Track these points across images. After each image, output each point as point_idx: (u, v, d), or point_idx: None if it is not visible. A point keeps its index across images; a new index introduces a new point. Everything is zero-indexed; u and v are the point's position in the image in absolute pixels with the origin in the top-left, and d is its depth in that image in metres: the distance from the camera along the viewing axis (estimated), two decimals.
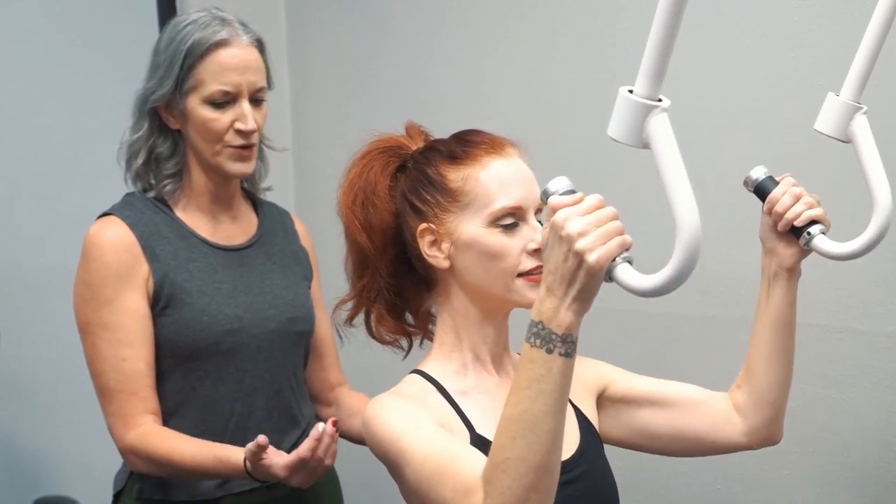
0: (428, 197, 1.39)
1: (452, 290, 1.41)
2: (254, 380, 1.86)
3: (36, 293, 3.00)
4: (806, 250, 1.42)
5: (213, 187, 1.87)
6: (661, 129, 1.03)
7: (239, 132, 1.79)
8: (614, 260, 1.08)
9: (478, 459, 1.21)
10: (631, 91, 1.04)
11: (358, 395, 2.02)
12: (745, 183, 1.46)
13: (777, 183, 1.43)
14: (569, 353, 1.10)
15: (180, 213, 1.86)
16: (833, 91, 1.45)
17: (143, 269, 1.78)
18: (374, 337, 1.49)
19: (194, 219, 1.87)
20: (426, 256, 1.39)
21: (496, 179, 1.36)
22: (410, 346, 1.51)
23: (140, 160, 1.85)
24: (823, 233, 1.40)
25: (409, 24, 2.58)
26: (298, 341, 1.94)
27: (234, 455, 1.68)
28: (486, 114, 2.41)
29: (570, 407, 1.46)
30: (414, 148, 1.46)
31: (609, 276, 1.09)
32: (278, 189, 2.15)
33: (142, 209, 1.84)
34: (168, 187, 1.85)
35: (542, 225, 1.37)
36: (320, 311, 2.02)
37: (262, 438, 1.60)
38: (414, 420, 1.30)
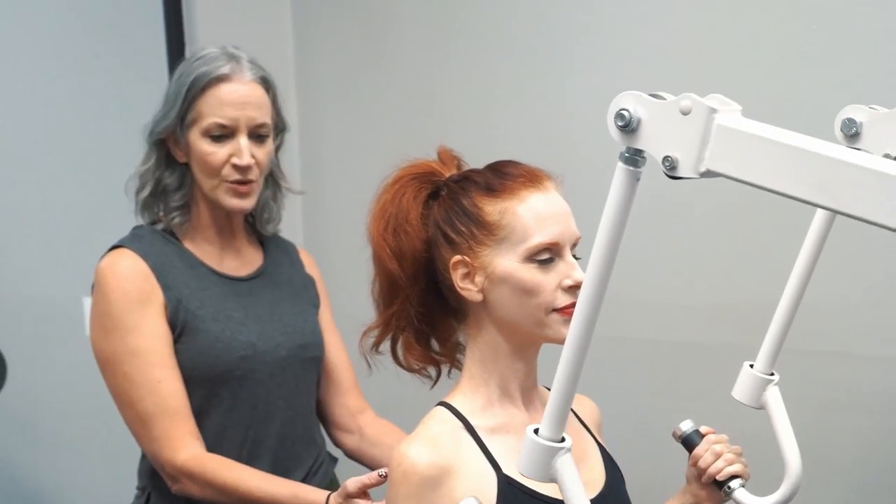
0: (463, 228, 1.36)
1: (484, 323, 1.39)
2: (267, 406, 1.87)
3: (42, 327, 2.99)
4: (725, 499, 1.54)
5: (219, 221, 1.89)
6: (565, 466, 1.10)
7: (235, 167, 1.81)
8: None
9: None
10: (536, 431, 1.11)
11: (382, 423, 2.01)
12: (673, 434, 1.57)
13: (702, 436, 1.54)
14: None
15: (188, 245, 1.88)
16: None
17: (160, 295, 1.80)
18: (400, 365, 1.47)
19: (202, 250, 1.89)
20: (459, 289, 1.37)
21: (534, 214, 1.34)
22: (439, 374, 1.48)
23: (147, 191, 1.87)
24: (743, 486, 1.51)
25: (416, 57, 2.60)
26: (310, 367, 1.94)
27: (313, 494, 1.69)
28: (497, 148, 2.41)
29: (594, 443, 1.50)
30: (447, 174, 1.44)
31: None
32: (287, 227, 2.15)
33: (151, 241, 1.86)
34: (176, 220, 1.87)
35: (577, 260, 1.36)
36: (332, 337, 2.02)
37: (350, 485, 1.59)
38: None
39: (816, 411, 2.04)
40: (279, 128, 1.92)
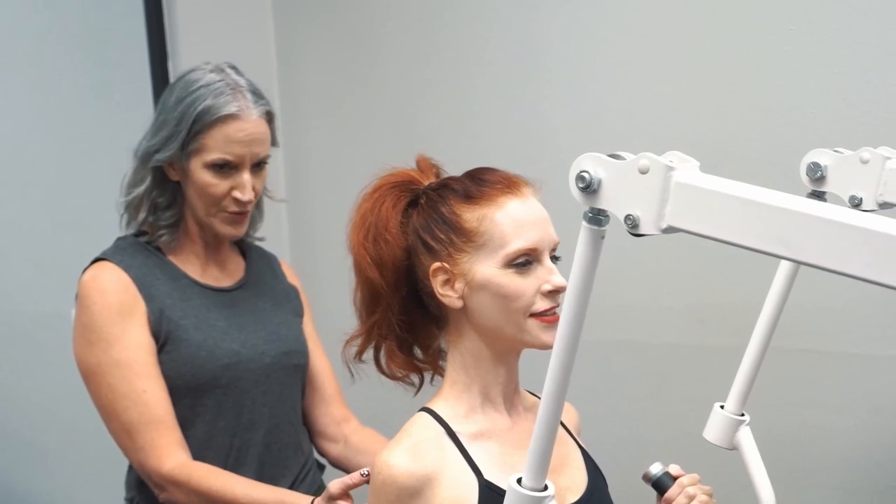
0: (442, 236, 1.37)
1: (464, 329, 1.40)
2: (252, 414, 1.88)
3: (29, 341, 2.99)
4: None
5: (207, 237, 1.90)
6: None
7: (236, 200, 1.83)
8: None
9: None
10: (519, 481, 1.12)
11: (366, 431, 2.02)
12: (644, 477, 1.55)
13: (673, 479, 1.52)
14: None
15: (171, 257, 1.89)
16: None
17: (143, 306, 1.81)
18: (383, 373, 1.47)
19: (185, 262, 1.90)
20: (439, 295, 1.38)
21: (512, 220, 1.35)
22: (422, 382, 1.49)
23: (143, 213, 1.87)
24: None
25: (398, 66, 2.61)
26: (295, 375, 1.95)
27: (297, 499, 1.72)
28: (479, 155, 2.41)
29: (577, 448, 1.50)
30: (426, 182, 1.45)
31: None
32: (273, 237, 2.17)
33: (133, 253, 1.87)
34: (164, 237, 1.88)
35: (556, 262, 1.38)
36: (315, 346, 2.03)
37: (333, 487, 1.60)
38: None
39: (807, 410, 2.05)
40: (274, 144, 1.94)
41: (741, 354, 1.61)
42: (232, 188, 1.82)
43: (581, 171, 0.98)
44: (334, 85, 2.76)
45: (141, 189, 1.86)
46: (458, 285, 1.36)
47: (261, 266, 2.02)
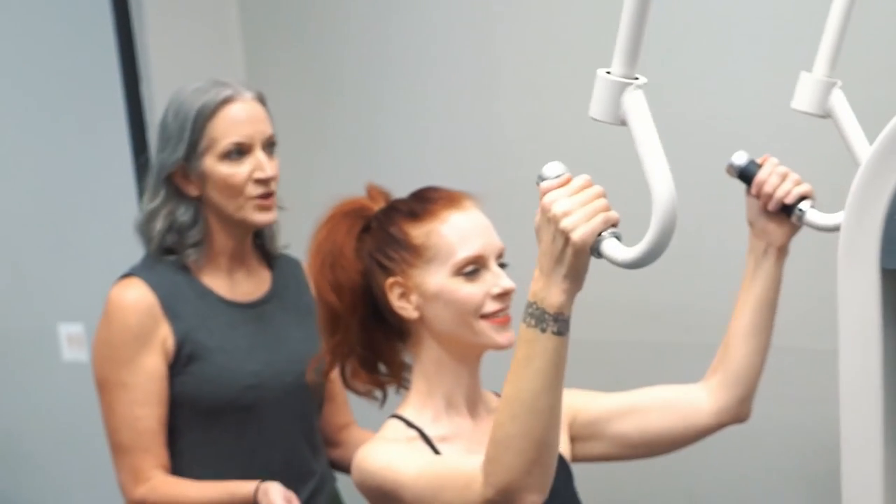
0: (394, 255, 1.46)
1: (424, 338, 1.48)
2: (272, 433, 1.91)
3: (16, 355, 3.03)
4: (797, 226, 1.47)
5: (233, 244, 1.91)
6: (636, 105, 1.08)
7: (258, 181, 1.84)
8: (600, 235, 1.12)
9: (470, 458, 1.29)
10: (609, 73, 1.09)
11: (365, 433, 2.04)
12: (728, 169, 1.49)
13: (759, 165, 1.46)
14: (561, 332, 1.16)
15: (198, 274, 1.90)
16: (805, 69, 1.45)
17: (163, 329, 1.84)
18: (349, 388, 1.56)
19: (212, 278, 1.91)
20: (396, 308, 1.46)
21: (456, 231, 1.44)
22: (385, 396, 1.57)
23: (158, 225, 1.87)
24: (813, 206, 1.43)
25: (362, 90, 2.65)
26: (314, 393, 1.98)
27: (244, 486, 1.76)
28: (441, 163, 2.50)
29: None
30: (376, 208, 1.53)
31: (597, 253, 1.13)
32: None
33: (162, 271, 1.88)
34: (192, 256, 1.88)
35: (503, 269, 1.46)
36: None
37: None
38: (401, 452, 1.38)
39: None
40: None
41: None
42: (252, 171, 1.83)
43: None
44: (304, 103, 2.80)
45: (155, 203, 1.87)
46: (413, 297, 1.45)
47: (287, 278, 2.02)
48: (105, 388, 1.85)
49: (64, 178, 2.89)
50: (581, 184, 1.15)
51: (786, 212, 1.45)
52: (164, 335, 1.84)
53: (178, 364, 1.85)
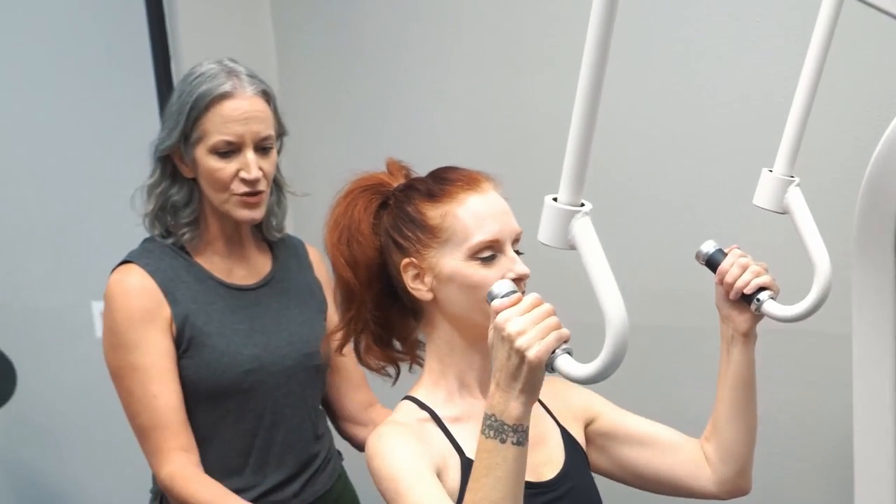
0: (409, 234, 1.45)
1: (437, 320, 1.48)
2: (273, 416, 1.91)
3: (52, 333, 3.06)
4: (758, 315, 1.51)
5: (228, 231, 1.91)
6: (584, 231, 1.12)
7: (243, 181, 1.83)
8: (554, 352, 1.18)
9: None
10: (555, 199, 1.13)
11: (387, 413, 2.07)
12: (697, 256, 1.55)
13: (725, 255, 1.52)
14: (521, 442, 1.21)
15: (198, 258, 1.90)
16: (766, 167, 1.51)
17: (166, 311, 1.83)
18: (362, 364, 1.56)
19: (211, 262, 1.91)
20: (410, 289, 1.46)
21: (473, 215, 1.43)
22: (398, 373, 1.57)
23: (151, 205, 1.88)
24: (773, 298, 1.48)
25: (393, 65, 2.67)
26: (316, 375, 1.98)
27: None
28: (468, 143, 2.50)
29: (556, 428, 1.56)
30: (395, 184, 1.52)
31: (551, 368, 1.19)
32: None
33: (160, 255, 1.88)
34: (186, 235, 1.88)
35: (518, 255, 1.45)
36: None
37: None
38: (413, 465, 1.36)
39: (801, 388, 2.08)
40: (279, 133, 1.94)
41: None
42: (238, 170, 1.82)
43: None
44: (332, 80, 2.82)
45: (150, 181, 1.88)
46: (427, 279, 1.44)
47: (287, 260, 2.02)
48: (119, 375, 1.84)
49: (96, 157, 2.92)
50: (531, 302, 1.21)
51: (746, 301, 1.49)
52: (168, 316, 1.84)
53: (179, 349, 1.85)
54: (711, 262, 1.53)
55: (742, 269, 1.50)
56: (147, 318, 1.82)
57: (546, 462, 1.50)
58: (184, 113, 1.82)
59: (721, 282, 1.52)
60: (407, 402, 1.50)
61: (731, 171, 2.06)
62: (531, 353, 1.17)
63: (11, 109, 2.99)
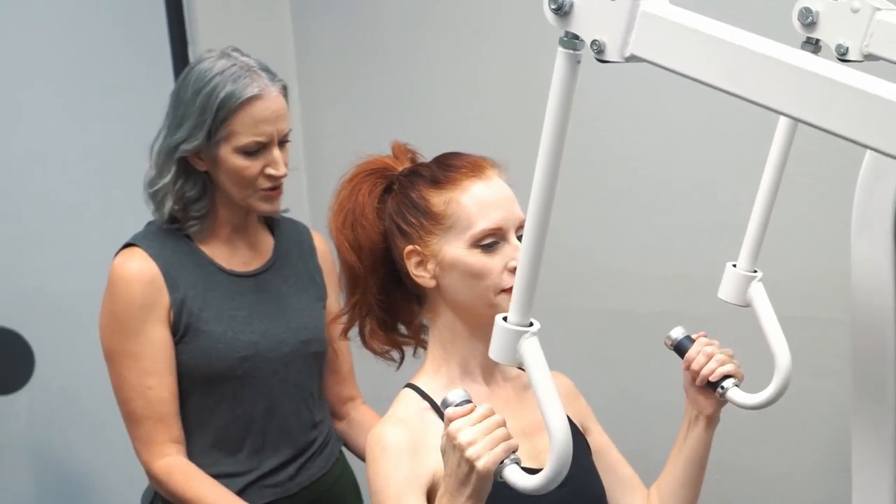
0: (413, 220, 1.45)
1: (440, 307, 1.48)
2: (270, 402, 1.92)
3: (68, 318, 3.08)
4: (722, 401, 1.54)
5: (236, 220, 1.92)
6: (531, 351, 1.16)
7: (269, 177, 1.84)
8: (502, 462, 1.21)
9: None
10: (505, 319, 1.17)
11: (367, 412, 2.08)
12: (665, 342, 1.59)
13: (693, 341, 1.56)
14: None
15: (200, 244, 1.91)
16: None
17: (166, 299, 1.84)
18: (367, 348, 1.56)
19: (213, 248, 1.92)
20: (413, 276, 1.46)
21: (476, 202, 1.42)
22: (402, 357, 1.57)
23: (169, 204, 1.87)
24: (737, 385, 1.52)
25: (408, 49, 2.68)
26: (313, 362, 1.98)
27: None
28: (482, 128, 2.51)
29: None
30: (400, 168, 1.52)
31: (499, 477, 1.22)
32: (295, 211, 2.19)
33: (164, 239, 1.88)
34: (195, 228, 1.89)
35: (521, 242, 1.43)
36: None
37: None
38: (399, 493, 1.37)
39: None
40: None
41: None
42: (264, 167, 1.83)
43: None
44: (348, 62, 2.83)
45: (166, 180, 1.86)
46: (430, 266, 1.44)
47: (289, 245, 2.03)
48: (114, 358, 1.86)
49: (114, 144, 2.94)
50: (483, 413, 1.23)
51: (711, 387, 1.54)
52: (167, 305, 1.84)
53: (177, 334, 1.85)
54: (679, 349, 1.57)
55: (707, 358, 1.53)
56: (148, 308, 1.83)
57: (547, 448, 1.49)
58: (209, 114, 1.80)
59: (688, 368, 1.55)
60: (408, 390, 1.50)
61: (743, 159, 2.06)
62: (480, 464, 1.20)
63: (28, 96, 3.00)
